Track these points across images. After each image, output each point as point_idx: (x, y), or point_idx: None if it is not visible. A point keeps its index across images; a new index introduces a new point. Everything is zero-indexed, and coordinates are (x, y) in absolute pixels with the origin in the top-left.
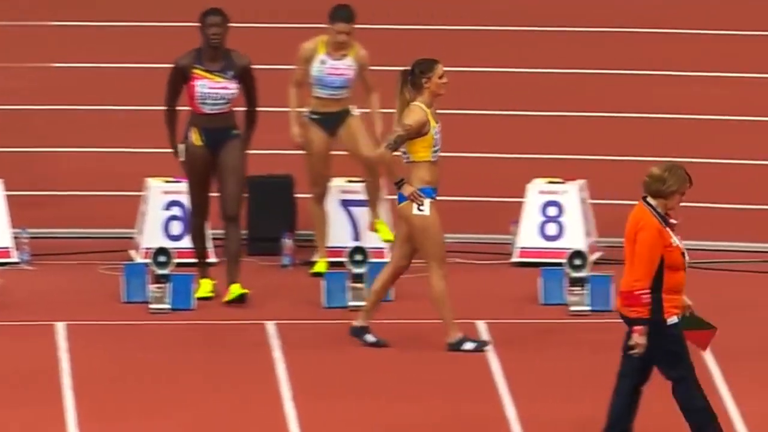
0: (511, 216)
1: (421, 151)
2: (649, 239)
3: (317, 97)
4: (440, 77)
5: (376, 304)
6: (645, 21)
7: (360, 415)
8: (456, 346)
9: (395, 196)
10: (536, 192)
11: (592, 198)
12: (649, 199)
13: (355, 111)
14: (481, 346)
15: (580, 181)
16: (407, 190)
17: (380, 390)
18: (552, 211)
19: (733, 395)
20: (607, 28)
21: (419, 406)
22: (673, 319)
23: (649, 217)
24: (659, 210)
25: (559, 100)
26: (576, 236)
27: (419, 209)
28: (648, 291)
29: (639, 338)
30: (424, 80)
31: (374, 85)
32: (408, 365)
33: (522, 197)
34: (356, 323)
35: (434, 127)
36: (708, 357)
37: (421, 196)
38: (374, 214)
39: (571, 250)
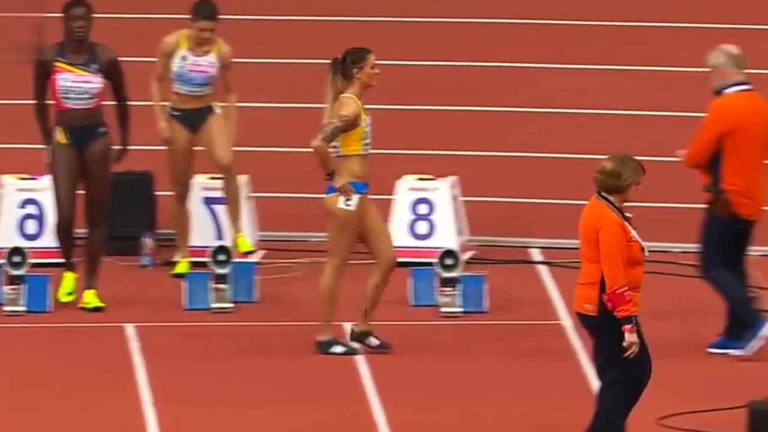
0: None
1: (352, 144)
2: (613, 236)
3: (178, 94)
4: (372, 68)
5: (372, 305)
6: (524, 12)
7: (224, 422)
8: (324, 347)
9: (261, 194)
10: (406, 189)
11: (464, 195)
12: (605, 194)
13: (218, 109)
14: (350, 351)
15: (452, 178)
16: (338, 182)
17: (246, 395)
18: (422, 208)
19: None
20: (484, 19)
21: (286, 411)
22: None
23: (608, 214)
24: (616, 205)
25: (429, 94)
26: (447, 235)
27: (346, 203)
28: (627, 287)
29: (631, 337)
30: (355, 70)
31: (234, 84)
32: (275, 369)
33: (391, 194)
34: (354, 327)
35: (365, 120)
36: (582, 356)
37: (351, 190)
38: (235, 228)
39: (442, 249)
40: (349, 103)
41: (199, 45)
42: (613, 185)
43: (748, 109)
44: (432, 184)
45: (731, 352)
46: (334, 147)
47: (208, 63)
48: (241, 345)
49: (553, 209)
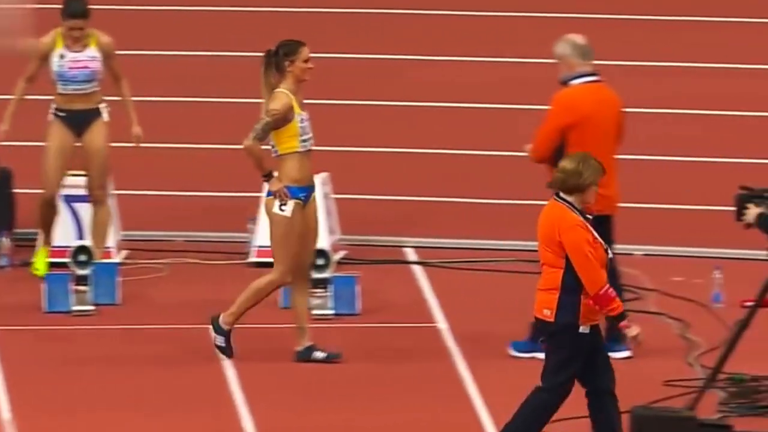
0: (247, 213)
1: (287, 141)
2: (581, 238)
3: (62, 94)
4: (305, 61)
5: (305, 317)
6: (388, 2)
7: (85, 429)
8: (217, 330)
9: (123, 191)
10: None
11: (336, 192)
12: (564, 195)
13: (105, 114)
14: (226, 352)
15: (323, 174)
16: (274, 186)
17: (108, 401)
18: None
19: (484, 399)
20: (347, 9)
21: (150, 417)
22: (584, 329)
23: (570, 215)
24: (577, 206)
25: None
26: (318, 234)
27: (281, 209)
28: (608, 285)
29: (633, 330)
30: (286, 63)
31: (121, 72)
32: (138, 374)
33: (259, 192)
34: (298, 347)
35: (299, 115)
36: (458, 359)
37: (286, 195)
38: (98, 251)
39: (314, 249)
40: (280, 97)
41: (74, 41)
42: (574, 184)
43: (594, 101)
44: None
45: (539, 354)
46: (272, 146)
47: (88, 57)
48: (103, 349)
49: (428, 207)
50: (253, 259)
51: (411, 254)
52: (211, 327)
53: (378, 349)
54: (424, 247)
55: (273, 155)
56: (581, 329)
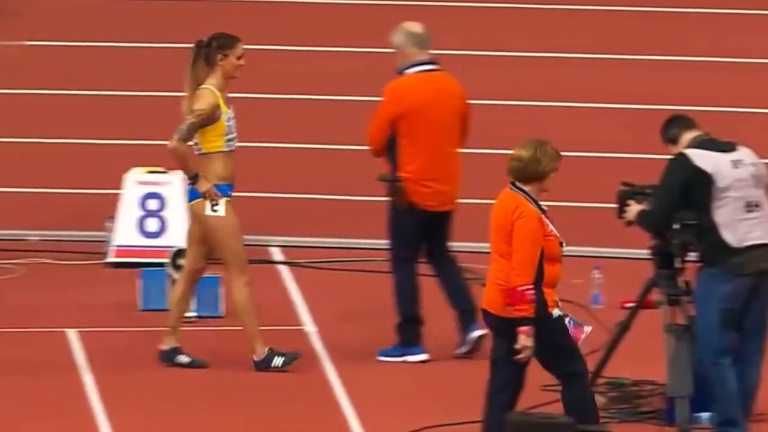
0: (106, 210)
1: (213, 140)
2: (530, 229)
3: None
4: (238, 57)
5: (180, 319)
6: None
7: None
8: (267, 360)
9: None
10: (134, 183)
11: None
12: (520, 185)
13: None
14: (289, 359)
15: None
16: (203, 186)
17: None
18: (153, 204)
19: (352, 404)
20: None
21: (2, 428)
22: (556, 312)
23: (526, 205)
24: (533, 195)
25: (158, 79)
26: (180, 233)
27: (213, 209)
28: (532, 287)
29: (527, 340)
30: (219, 56)
31: None
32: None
33: (118, 189)
34: (164, 346)
35: (226, 113)
36: (326, 363)
37: (217, 195)
38: None
39: (174, 249)
40: (206, 95)
41: None
42: (533, 172)
43: (426, 91)
44: (163, 177)
45: (409, 358)
46: (195, 144)
47: None
48: None
49: (294, 204)
50: (111, 259)
51: (277, 254)
52: (263, 368)
53: (242, 353)
54: (290, 246)
55: (196, 153)
56: (554, 313)
